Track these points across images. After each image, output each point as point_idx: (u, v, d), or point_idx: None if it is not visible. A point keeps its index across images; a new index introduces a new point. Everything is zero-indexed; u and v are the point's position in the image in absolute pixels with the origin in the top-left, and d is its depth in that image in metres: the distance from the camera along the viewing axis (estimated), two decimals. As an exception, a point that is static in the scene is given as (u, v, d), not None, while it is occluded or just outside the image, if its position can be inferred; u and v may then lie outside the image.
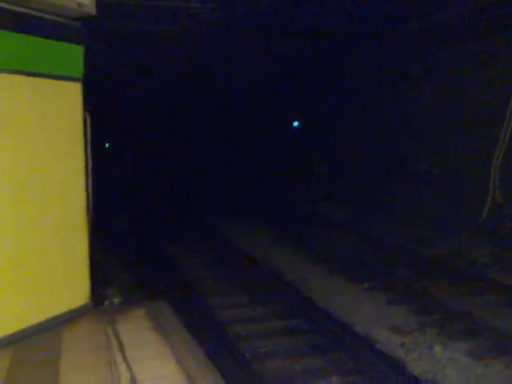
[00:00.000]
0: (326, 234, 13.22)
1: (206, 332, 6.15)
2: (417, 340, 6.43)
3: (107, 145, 27.01)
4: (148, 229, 14.31)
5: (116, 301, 5.70)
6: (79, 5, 4.64)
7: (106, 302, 5.66)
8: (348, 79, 15.53)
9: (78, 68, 4.91)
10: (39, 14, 4.54)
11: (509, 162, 9.81)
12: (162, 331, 4.88)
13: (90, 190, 5.27)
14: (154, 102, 21.99)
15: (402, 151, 13.12)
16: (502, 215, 9.80)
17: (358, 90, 15.14)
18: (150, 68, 14.85)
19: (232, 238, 12.84)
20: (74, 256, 5.15)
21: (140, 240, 12.67)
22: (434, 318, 7.14)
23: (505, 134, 9.67)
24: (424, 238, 11.24)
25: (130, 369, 4.09)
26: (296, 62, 14.98)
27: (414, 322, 7.05)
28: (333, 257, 10.58)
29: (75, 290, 5.20)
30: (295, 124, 19.02)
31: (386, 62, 13.33)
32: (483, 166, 10.21)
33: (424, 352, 6.04)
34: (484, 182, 10.20)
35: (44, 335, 4.75)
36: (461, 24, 10.21)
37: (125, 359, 4.26)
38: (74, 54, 4.88)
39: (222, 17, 9.32)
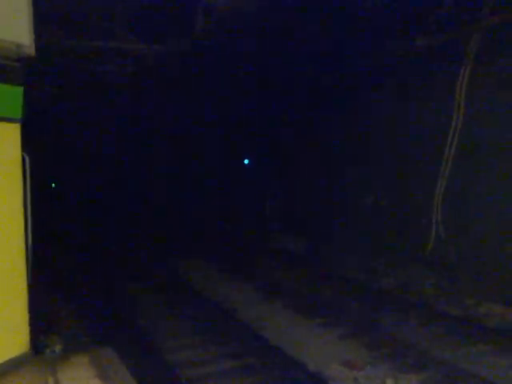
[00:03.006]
0: (278, 266, 13.20)
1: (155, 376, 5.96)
2: (369, 375, 6.45)
3: (53, 185, 26.36)
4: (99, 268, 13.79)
5: (58, 348, 5.44)
6: (18, 46, 4.57)
7: (48, 350, 5.39)
8: (299, 113, 15.83)
9: (17, 109, 4.79)
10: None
11: (448, 198, 10.10)
12: (106, 379, 4.67)
13: (30, 231, 5.07)
14: (100, 142, 21.79)
15: (352, 183, 13.33)
16: (446, 249, 10.05)
17: (310, 124, 15.43)
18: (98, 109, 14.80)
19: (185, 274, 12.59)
20: (12, 300, 4.88)
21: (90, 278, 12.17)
22: (384, 351, 7.20)
23: (444, 170, 10.00)
24: (374, 270, 11.41)
25: (70, 421, 3.88)
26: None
27: (366, 356, 7.08)
28: (285, 291, 10.53)
29: (13, 338, 4.91)
30: (246, 161, 19.26)
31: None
32: (429, 200, 10.50)
33: (376, 387, 6.07)
34: (430, 215, 10.46)
35: (-22, 389, 4.47)
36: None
37: (65, 411, 4.05)
38: (13, 95, 4.77)
39: (169, 57, 9.42)
